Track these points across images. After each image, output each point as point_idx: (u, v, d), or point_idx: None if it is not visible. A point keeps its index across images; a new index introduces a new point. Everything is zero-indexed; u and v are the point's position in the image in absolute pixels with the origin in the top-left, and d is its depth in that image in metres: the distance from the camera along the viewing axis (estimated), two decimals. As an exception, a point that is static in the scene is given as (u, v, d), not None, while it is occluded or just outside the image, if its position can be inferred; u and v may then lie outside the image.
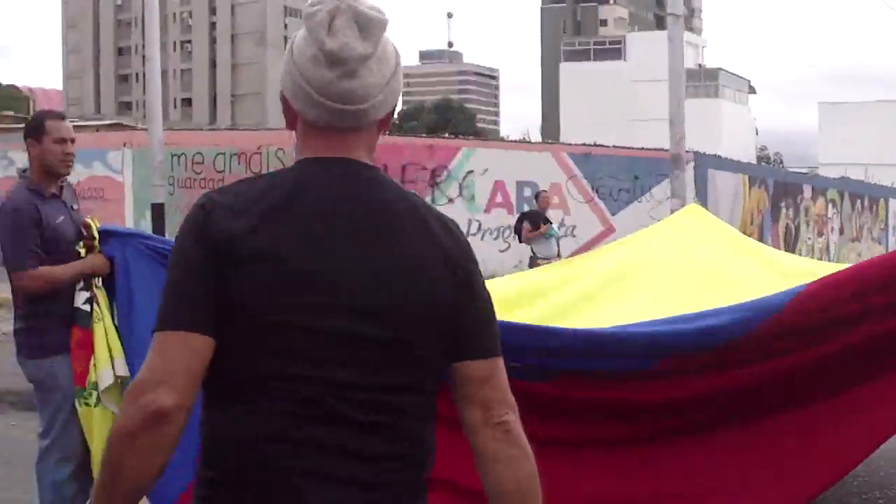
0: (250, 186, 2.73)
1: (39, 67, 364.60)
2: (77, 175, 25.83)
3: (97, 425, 5.85)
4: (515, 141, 42.42)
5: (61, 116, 6.62)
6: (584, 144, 26.18)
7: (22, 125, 44.71)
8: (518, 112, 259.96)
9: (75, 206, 6.45)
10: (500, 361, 2.78)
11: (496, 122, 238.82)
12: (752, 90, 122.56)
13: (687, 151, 21.75)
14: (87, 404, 5.93)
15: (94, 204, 25.73)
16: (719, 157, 25.61)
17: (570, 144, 27.14)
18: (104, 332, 5.82)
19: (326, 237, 2.62)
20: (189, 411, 2.50)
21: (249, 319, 2.53)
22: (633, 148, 24.24)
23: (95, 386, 5.80)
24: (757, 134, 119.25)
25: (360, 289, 2.59)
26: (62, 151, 6.25)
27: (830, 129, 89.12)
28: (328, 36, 2.64)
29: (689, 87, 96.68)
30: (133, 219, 23.83)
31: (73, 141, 6.33)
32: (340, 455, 2.53)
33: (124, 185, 24.48)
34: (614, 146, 24.56)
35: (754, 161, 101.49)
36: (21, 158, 27.37)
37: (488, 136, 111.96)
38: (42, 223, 6.04)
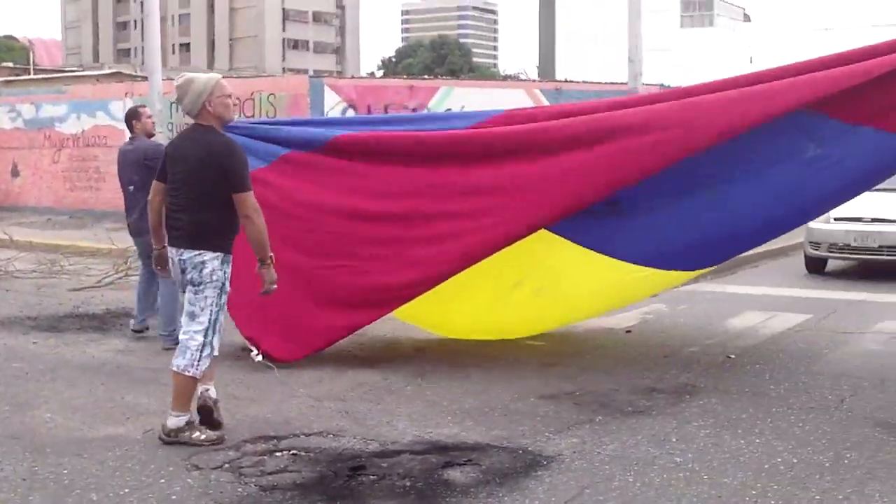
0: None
1: (37, 17, 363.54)
2: (82, 124, 27.26)
3: None
4: (489, 79, 44.15)
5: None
6: (555, 80, 27.44)
7: (23, 77, 45.36)
8: (518, 46, 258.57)
9: None
10: (244, 194, 7.53)
11: (495, 58, 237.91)
12: (746, 18, 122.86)
13: (652, 84, 23.04)
14: None
15: (98, 151, 27.16)
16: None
17: (541, 81, 28.31)
18: None
19: (181, 147, 7.80)
20: None
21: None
22: (601, 83, 25.22)
23: None
24: (752, 62, 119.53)
25: (184, 163, 7.63)
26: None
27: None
28: None
29: (683, 17, 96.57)
30: (136, 163, 24.98)
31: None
32: (173, 214, 7.73)
33: (126, 132, 25.56)
34: (584, 81, 25.63)
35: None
36: (28, 111, 28.93)
37: (484, 72, 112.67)
38: None
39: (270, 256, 7.69)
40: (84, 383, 9.57)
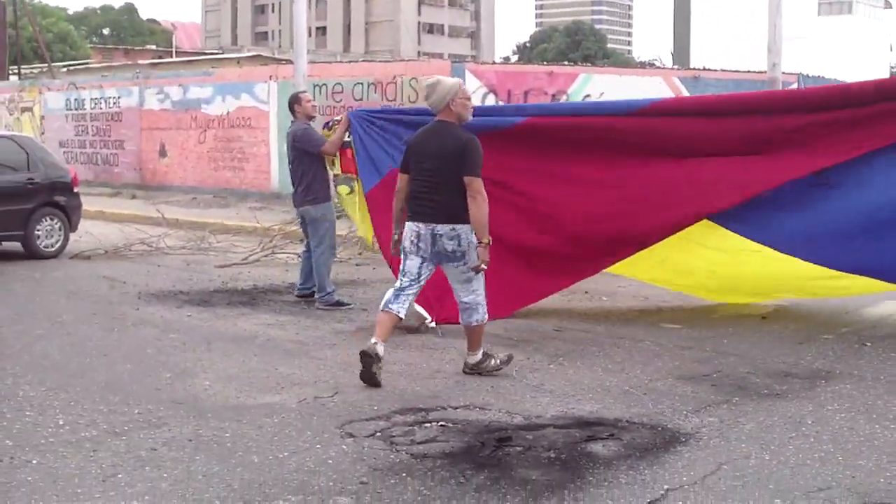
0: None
1: (179, 1, 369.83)
2: (227, 106, 27.94)
3: (353, 203, 12.64)
4: (626, 67, 44.37)
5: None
6: (692, 69, 27.48)
7: (166, 59, 46.63)
8: (652, 32, 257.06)
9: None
10: (472, 178, 8.82)
11: (629, 44, 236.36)
12: (887, 5, 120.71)
13: (790, 73, 22.99)
14: (351, 190, 12.64)
15: (242, 132, 27.83)
16: (822, 77, 26.53)
17: (679, 69, 28.38)
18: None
19: (427, 139, 9.18)
20: None
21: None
22: (738, 71, 25.22)
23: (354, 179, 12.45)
24: (892, 50, 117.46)
25: (431, 153, 9.05)
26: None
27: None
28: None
29: (821, 5, 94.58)
30: (278, 143, 25.60)
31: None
32: (424, 195, 9.06)
33: (270, 113, 26.23)
34: (721, 69, 25.61)
35: (887, 77, 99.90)
36: (176, 93, 29.76)
37: (619, 59, 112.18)
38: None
39: (488, 239, 8.88)
40: (238, 354, 10.04)
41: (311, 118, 12.94)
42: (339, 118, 12.63)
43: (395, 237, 9.44)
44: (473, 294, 9.16)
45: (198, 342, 10.56)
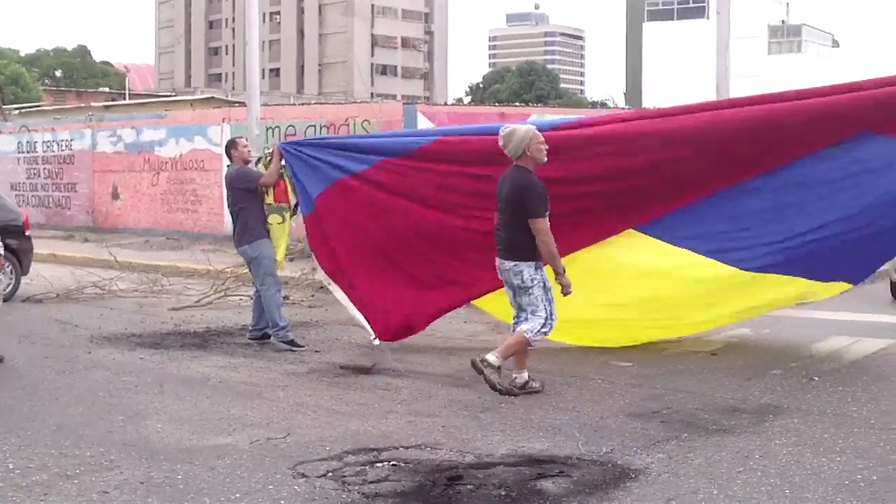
0: None
1: (131, 43, 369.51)
2: (180, 148, 27.96)
3: (282, 234, 12.91)
4: (578, 107, 44.71)
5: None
6: (643, 108, 27.73)
7: (120, 102, 46.59)
8: (605, 72, 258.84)
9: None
10: (534, 220, 9.77)
11: (582, 84, 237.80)
12: (835, 44, 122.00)
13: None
14: (283, 219, 12.83)
15: (195, 174, 27.85)
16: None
17: (630, 109, 28.60)
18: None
19: (502, 182, 10.08)
20: None
21: None
22: (688, 110, 25.50)
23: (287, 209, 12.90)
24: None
25: (502, 195, 10.02)
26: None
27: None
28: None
29: (771, 43, 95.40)
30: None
31: None
32: (498, 232, 10.18)
33: (223, 156, 26.19)
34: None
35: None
36: (129, 135, 29.74)
37: (571, 99, 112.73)
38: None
39: (562, 267, 9.96)
40: (190, 396, 10.04)
41: (247, 162, 13.23)
42: (270, 151, 13.28)
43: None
44: (533, 321, 10.02)
45: (150, 385, 10.54)
